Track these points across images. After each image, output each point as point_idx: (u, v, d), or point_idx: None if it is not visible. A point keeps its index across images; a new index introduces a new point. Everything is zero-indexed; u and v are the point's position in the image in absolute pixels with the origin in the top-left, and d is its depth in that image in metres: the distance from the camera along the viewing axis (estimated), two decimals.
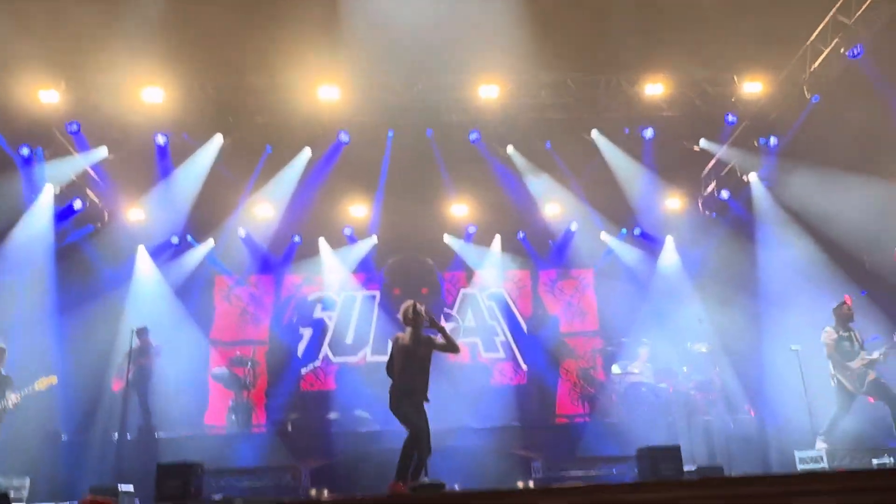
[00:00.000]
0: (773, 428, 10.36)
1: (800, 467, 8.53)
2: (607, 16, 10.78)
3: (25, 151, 11.44)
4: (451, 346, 7.25)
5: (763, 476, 7.90)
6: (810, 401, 9.32)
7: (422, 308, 7.26)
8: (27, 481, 8.66)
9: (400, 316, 7.38)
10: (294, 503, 7.51)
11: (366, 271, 15.02)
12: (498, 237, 14.99)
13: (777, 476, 6.47)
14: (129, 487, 8.13)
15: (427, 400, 7.12)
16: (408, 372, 7.12)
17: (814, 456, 8.55)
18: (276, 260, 14.75)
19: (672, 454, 7.12)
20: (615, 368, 12.20)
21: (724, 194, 13.74)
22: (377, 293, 15.01)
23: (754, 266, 13.12)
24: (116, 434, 10.38)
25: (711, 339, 11.69)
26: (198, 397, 13.50)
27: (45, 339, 11.59)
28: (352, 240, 14.71)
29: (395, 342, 7.27)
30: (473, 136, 12.55)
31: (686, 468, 7.40)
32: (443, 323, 7.28)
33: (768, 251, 13.00)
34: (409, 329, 7.26)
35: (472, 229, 14.74)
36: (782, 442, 9.87)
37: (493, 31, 10.61)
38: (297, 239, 14.65)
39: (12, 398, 8.80)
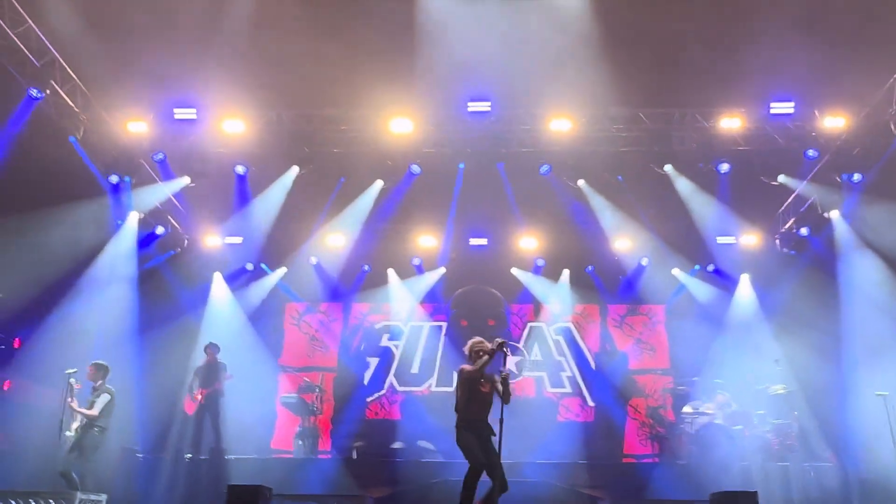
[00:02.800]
0: (856, 478, 9.83)
1: None
2: (682, 49, 10.68)
3: (114, 179, 12.01)
4: (506, 396, 7.15)
5: None
6: None
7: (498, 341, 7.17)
8: (104, 498, 8.93)
9: (466, 350, 7.39)
10: None
11: (433, 301, 15.09)
12: (567, 271, 14.85)
13: None
14: None
15: (494, 433, 7.05)
16: (472, 405, 7.11)
17: None
18: (345, 288, 14.99)
19: (748, 501, 6.84)
20: (687, 408, 11.81)
21: (804, 231, 13.28)
22: (444, 324, 15.04)
23: (836, 306, 12.58)
24: (189, 455, 10.64)
25: (789, 381, 11.24)
26: (266, 422, 13.78)
27: (125, 358, 12.05)
28: (420, 270, 14.82)
29: (460, 375, 7.28)
30: (544, 169, 12.53)
31: None
32: (509, 356, 7.20)
33: (851, 291, 12.46)
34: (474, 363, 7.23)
35: (540, 262, 14.66)
36: (867, 494, 9.35)
37: (566, 65, 10.65)
38: (366, 268, 14.87)
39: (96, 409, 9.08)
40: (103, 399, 9.06)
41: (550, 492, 9.65)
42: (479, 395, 7.15)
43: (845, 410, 11.58)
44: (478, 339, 7.40)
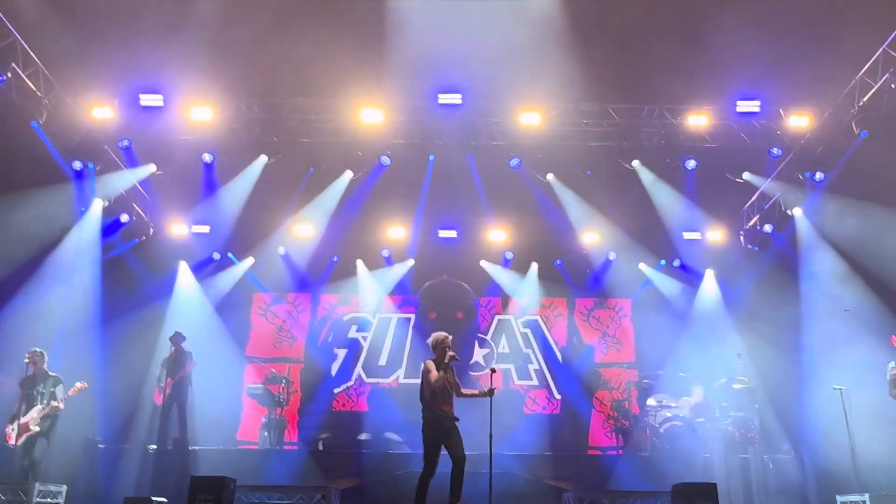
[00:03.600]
0: (813, 470, 10.06)
1: None
2: (651, 47, 10.79)
3: (78, 165, 11.80)
4: (457, 390, 7.54)
5: None
6: (854, 443, 9.04)
7: (451, 354, 7.48)
8: (64, 489, 8.82)
9: (430, 342, 7.57)
10: None
11: (402, 293, 15.08)
12: (535, 265, 14.94)
13: None
14: (163, 500, 8.21)
15: (457, 419, 7.36)
16: (436, 398, 7.28)
17: (856, 501, 8.28)
18: (313, 279, 14.91)
19: (708, 492, 6.98)
20: (651, 401, 11.99)
21: (768, 228, 13.52)
22: (412, 316, 15.04)
23: (797, 302, 12.85)
24: (153, 446, 10.53)
25: (751, 375, 11.45)
26: (231, 413, 13.67)
27: (88, 347, 11.87)
28: (389, 262, 14.80)
29: (424, 369, 7.42)
30: (514, 163, 12.58)
31: None
32: (476, 348, 7.64)
33: (812, 287, 12.72)
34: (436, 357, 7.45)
35: (509, 255, 14.73)
36: (823, 485, 9.58)
37: (536, 59, 10.70)
38: (335, 259, 14.80)
39: (60, 398, 9.01)
40: (61, 389, 9.01)
41: (515, 483, 9.73)
42: (443, 389, 7.34)
43: (804, 404, 11.83)
44: (442, 334, 7.57)
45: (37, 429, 8.88)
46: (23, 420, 8.89)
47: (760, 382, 11.84)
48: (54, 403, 8.97)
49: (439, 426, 7.23)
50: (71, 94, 11.23)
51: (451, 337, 7.59)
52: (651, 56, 10.87)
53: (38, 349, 9.26)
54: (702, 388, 11.73)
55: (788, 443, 11.58)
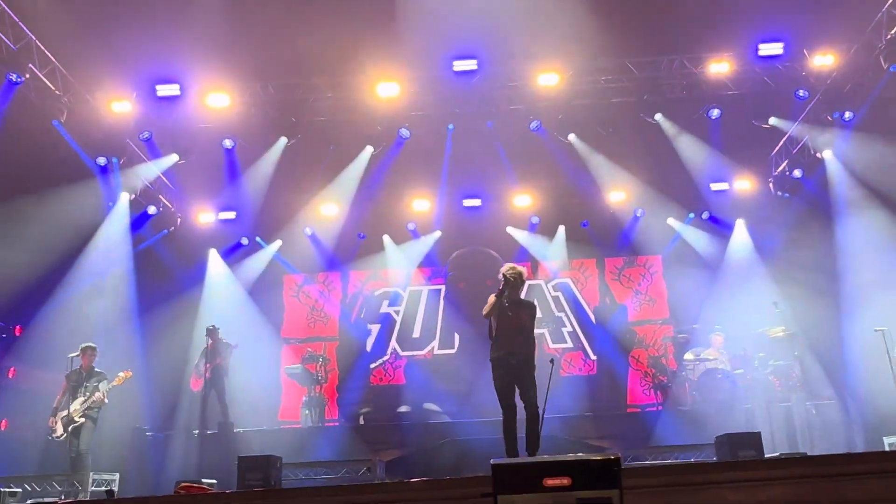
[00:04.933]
0: (858, 413, 9.96)
1: None
2: None
3: (102, 161, 11.92)
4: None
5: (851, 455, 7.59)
6: None
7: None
8: (116, 477, 9.05)
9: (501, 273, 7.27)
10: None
11: (431, 266, 15.09)
12: (562, 227, 14.83)
13: (866, 454, 6.16)
14: (213, 481, 8.39)
15: (531, 361, 7.07)
16: (501, 335, 7.10)
17: None
18: (342, 257, 14.97)
19: (752, 441, 6.92)
20: (688, 355, 11.92)
21: (797, 173, 13.25)
22: (442, 287, 15.06)
23: (832, 246, 12.61)
24: (197, 431, 10.74)
25: (788, 323, 11.31)
26: (272, 394, 13.88)
27: (126, 339, 12.09)
28: (415, 235, 14.80)
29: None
30: (534, 125, 12.44)
31: (767, 456, 7.18)
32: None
33: (846, 230, 12.47)
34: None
35: (535, 220, 14.63)
36: (869, 428, 9.49)
37: (549, 18, 10.51)
38: (362, 235, 14.84)
39: (103, 391, 9.21)
40: (105, 384, 9.20)
41: (558, 445, 9.76)
42: (507, 323, 7.09)
43: (845, 348, 11.67)
44: (510, 265, 7.38)
45: (81, 420, 9.09)
46: (66, 412, 9.10)
47: (799, 329, 11.68)
48: (98, 395, 9.15)
49: (505, 365, 6.95)
50: (89, 90, 11.30)
51: (521, 270, 7.28)
52: (667, 4, 10.62)
53: (91, 344, 9.47)
54: (721, 335, 11.64)
55: (831, 388, 11.43)
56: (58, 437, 9.05)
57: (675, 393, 12.03)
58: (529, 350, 7.11)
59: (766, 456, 6.96)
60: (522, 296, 7.74)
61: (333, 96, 12.04)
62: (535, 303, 7.66)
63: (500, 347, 7.04)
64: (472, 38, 10.91)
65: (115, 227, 12.41)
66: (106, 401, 9.25)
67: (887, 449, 8.20)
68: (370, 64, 11.46)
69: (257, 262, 14.59)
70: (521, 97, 12.13)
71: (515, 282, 7.16)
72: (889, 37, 10.46)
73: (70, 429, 9.05)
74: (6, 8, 9.59)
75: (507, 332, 7.04)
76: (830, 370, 11.80)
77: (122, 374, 9.35)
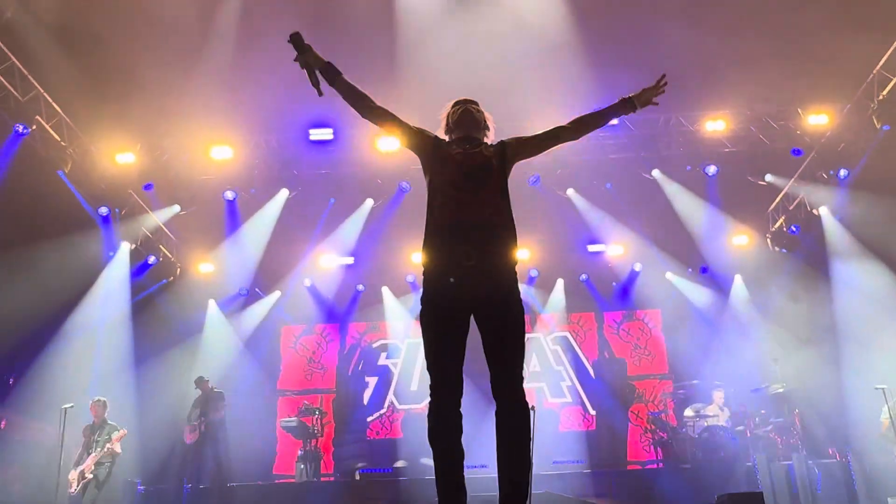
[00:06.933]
0: (861, 472, 9.82)
1: None
2: (663, 54, 10.76)
3: (104, 211, 12.00)
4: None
5: None
6: None
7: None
8: None
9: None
10: None
11: None
12: (560, 280, 14.86)
13: None
14: None
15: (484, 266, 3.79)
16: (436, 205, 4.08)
17: None
18: (340, 309, 14.95)
19: (755, 501, 6.81)
20: (688, 411, 11.80)
21: (794, 229, 13.35)
22: None
23: (830, 302, 12.63)
24: (189, 484, 10.55)
25: (789, 379, 11.25)
26: (267, 447, 13.69)
27: (122, 390, 11.98)
28: (414, 287, 14.80)
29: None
30: (532, 180, 12.57)
31: None
32: None
33: (844, 286, 12.50)
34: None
35: (534, 273, 14.67)
36: (872, 488, 9.34)
37: (547, 74, 10.71)
38: (360, 287, 14.84)
39: (114, 444, 9.13)
40: (120, 434, 9.15)
41: (555, 503, 9.60)
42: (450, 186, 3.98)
43: (846, 405, 11.58)
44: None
45: (90, 475, 9.01)
46: (81, 467, 9.03)
47: (799, 386, 11.61)
48: (109, 447, 9.09)
49: (447, 292, 3.76)
50: (93, 141, 11.45)
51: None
52: (664, 64, 10.83)
53: (100, 398, 9.46)
54: (722, 391, 11.55)
55: (833, 446, 11.30)
56: (71, 493, 8.95)
57: (675, 450, 11.87)
58: (505, 257, 3.74)
59: None
60: None
61: (334, 149, 12.19)
62: (513, 143, 4.15)
63: (435, 248, 3.81)
64: (476, 94, 11.07)
65: (114, 276, 12.43)
66: (118, 451, 9.18)
67: None
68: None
69: (256, 313, 14.56)
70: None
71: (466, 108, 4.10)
72: (881, 97, 10.67)
73: (81, 484, 8.97)
74: (15, 61, 9.79)
75: (454, 211, 3.80)
76: (832, 427, 11.69)
77: (120, 432, 9.28)
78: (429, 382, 3.81)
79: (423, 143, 4.07)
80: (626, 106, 4.23)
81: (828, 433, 11.60)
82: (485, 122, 4.14)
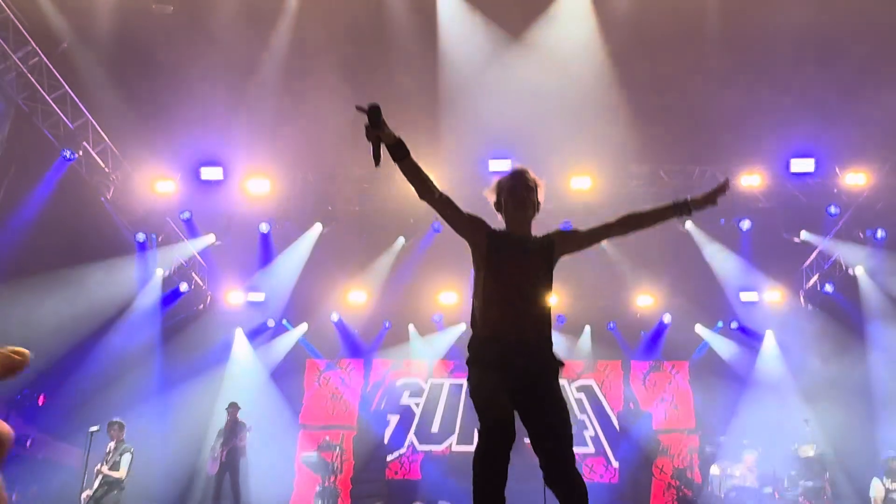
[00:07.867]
0: None
1: None
2: (702, 107, 10.81)
3: (141, 237, 12.24)
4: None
5: None
6: None
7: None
8: None
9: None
10: None
11: (454, 359, 14.99)
12: (588, 327, 14.75)
13: None
14: None
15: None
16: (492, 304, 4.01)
17: None
18: (366, 345, 14.96)
19: None
20: (714, 469, 11.54)
21: (829, 288, 13.15)
22: (464, 382, 14.85)
23: (864, 363, 12.36)
24: None
25: (819, 441, 10.97)
26: (285, 481, 13.62)
27: (148, 415, 12.06)
28: (440, 327, 14.79)
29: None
30: (563, 226, 12.57)
31: None
32: None
33: (878, 347, 12.25)
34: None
35: (561, 318, 14.57)
36: None
37: (585, 122, 10.80)
38: (387, 324, 14.87)
39: (122, 467, 9.17)
40: (126, 459, 9.16)
41: None
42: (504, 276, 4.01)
43: (878, 469, 11.24)
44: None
45: (88, 492, 9.03)
46: (89, 491, 9.09)
47: (831, 449, 11.31)
48: (110, 471, 9.09)
49: (500, 364, 3.80)
50: (136, 168, 11.73)
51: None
52: (701, 117, 10.88)
53: (117, 420, 9.52)
54: (755, 454, 11.25)
55: None
56: None
57: None
58: (547, 339, 3.88)
59: None
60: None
61: (370, 187, 12.34)
62: (559, 242, 4.13)
63: (490, 327, 3.85)
64: (508, 138, 11.21)
65: (146, 302, 12.61)
66: (122, 476, 9.17)
67: None
68: None
69: (282, 345, 14.63)
70: (553, 197, 12.30)
71: (520, 180, 4.09)
72: None
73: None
74: (68, 89, 10.15)
75: (508, 297, 3.84)
76: (864, 493, 11.33)
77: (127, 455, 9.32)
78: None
79: (476, 239, 4.12)
80: (679, 209, 4.09)
81: (860, 499, 11.24)
82: (536, 201, 4.16)
